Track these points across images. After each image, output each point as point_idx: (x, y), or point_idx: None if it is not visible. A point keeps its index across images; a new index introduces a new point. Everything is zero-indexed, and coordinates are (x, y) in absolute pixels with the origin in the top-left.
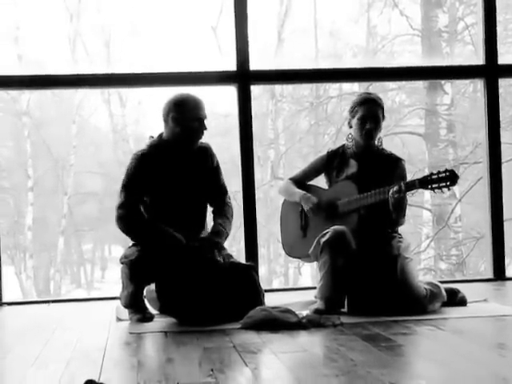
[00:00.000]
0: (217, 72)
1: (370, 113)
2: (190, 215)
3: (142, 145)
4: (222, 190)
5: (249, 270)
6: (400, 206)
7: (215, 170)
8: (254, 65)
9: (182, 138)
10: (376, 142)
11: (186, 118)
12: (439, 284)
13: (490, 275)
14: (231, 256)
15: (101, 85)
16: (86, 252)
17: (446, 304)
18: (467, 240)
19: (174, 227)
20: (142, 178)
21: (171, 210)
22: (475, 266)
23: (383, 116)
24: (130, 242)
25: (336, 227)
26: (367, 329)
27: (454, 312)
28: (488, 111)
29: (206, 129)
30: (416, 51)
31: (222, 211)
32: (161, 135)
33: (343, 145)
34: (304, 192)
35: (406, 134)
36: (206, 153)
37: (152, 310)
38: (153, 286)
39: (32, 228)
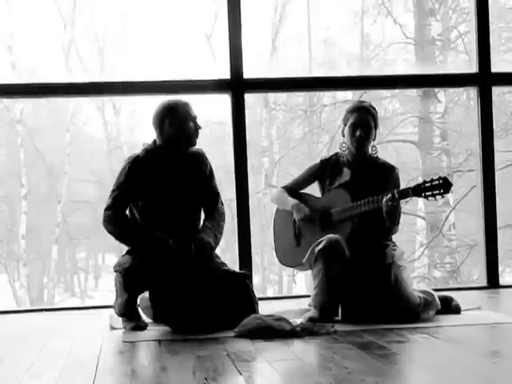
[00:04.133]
0: (211, 80)
1: (360, 120)
2: (184, 220)
3: (137, 150)
4: (214, 197)
5: (243, 278)
6: (393, 214)
7: (208, 177)
8: (248, 73)
9: (180, 139)
10: (370, 151)
11: (181, 119)
12: (433, 292)
13: (484, 283)
14: (225, 264)
15: (94, 93)
16: (79, 260)
17: (439, 312)
18: (461, 248)
19: (167, 232)
20: (133, 182)
21: (165, 214)
22: (469, 274)
23: (375, 124)
24: (124, 251)
25: (330, 236)
26: (361, 337)
27: (447, 320)
28: (481, 119)
29: (200, 127)
30: (409, 59)
31: (213, 216)
32: (154, 142)
33: (336, 153)
34: (297, 201)
35: (399, 142)
36: (200, 159)
37: (146, 319)
38: (147, 295)
39: (26, 236)
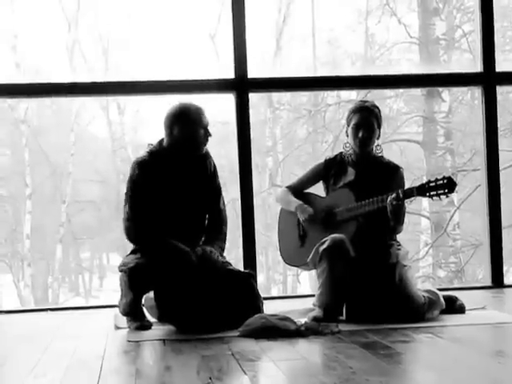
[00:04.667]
0: (215, 80)
1: (363, 121)
2: (190, 221)
3: (142, 152)
4: (217, 196)
5: (247, 278)
6: (398, 214)
7: (212, 175)
8: (252, 73)
9: (187, 146)
10: (374, 150)
11: (192, 126)
12: (437, 292)
13: (489, 282)
14: (230, 264)
15: (99, 93)
16: (84, 260)
17: (444, 312)
18: (465, 247)
19: (174, 233)
20: (144, 185)
21: (171, 216)
22: (473, 274)
23: (379, 124)
24: (129, 250)
25: (334, 235)
26: (366, 336)
27: (452, 320)
28: (486, 118)
29: (210, 135)
30: (414, 59)
31: (215, 223)
32: (160, 143)
33: (341, 152)
34: (300, 202)
35: (403, 142)
36: (204, 158)
37: (150, 318)
38: (151, 294)
39: (30, 236)
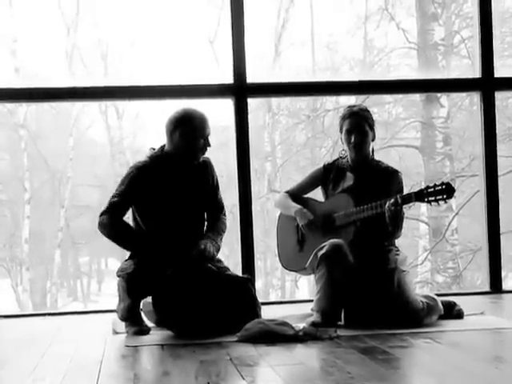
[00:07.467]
0: (214, 85)
1: (353, 126)
2: (188, 228)
3: (143, 156)
4: (218, 207)
5: (245, 283)
6: (396, 219)
7: (214, 187)
8: (251, 78)
9: (186, 153)
10: (371, 153)
11: (193, 134)
12: (436, 297)
13: (487, 288)
14: (228, 269)
15: (98, 97)
16: (82, 265)
17: (442, 317)
18: (464, 253)
19: (171, 240)
20: (137, 191)
21: (169, 223)
22: (472, 279)
23: (370, 126)
24: (127, 255)
25: (333, 240)
26: (364, 342)
27: (450, 325)
28: (484, 124)
29: (210, 146)
30: (412, 64)
31: (215, 226)
32: (162, 148)
33: (340, 157)
34: (300, 207)
35: (402, 147)
36: (207, 168)
37: (149, 323)
38: (149, 299)
39: (29, 241)
